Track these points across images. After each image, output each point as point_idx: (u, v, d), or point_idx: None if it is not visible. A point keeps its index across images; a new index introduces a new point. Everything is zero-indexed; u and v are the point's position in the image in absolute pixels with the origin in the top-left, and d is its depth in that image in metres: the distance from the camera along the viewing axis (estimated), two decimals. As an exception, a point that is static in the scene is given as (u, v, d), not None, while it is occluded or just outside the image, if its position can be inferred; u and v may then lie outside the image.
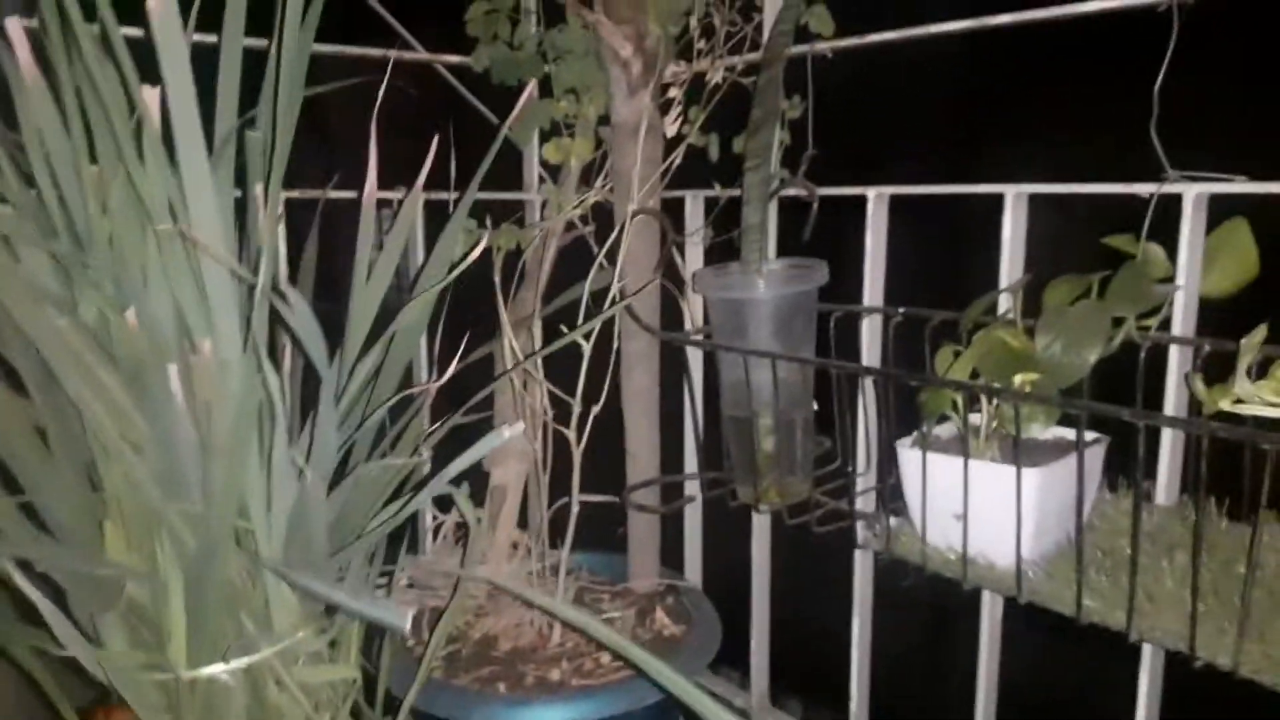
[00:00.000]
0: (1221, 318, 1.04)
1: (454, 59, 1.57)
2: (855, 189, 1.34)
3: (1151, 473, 1.15)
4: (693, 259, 1.56)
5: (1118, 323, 1.02)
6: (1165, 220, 1.05)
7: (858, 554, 1.41)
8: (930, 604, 1.36)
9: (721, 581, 1.63)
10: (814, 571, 1.55)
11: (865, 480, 1.32)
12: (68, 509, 0.97)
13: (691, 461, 1.61)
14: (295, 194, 1.45)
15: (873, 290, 1.34)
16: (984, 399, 1.12)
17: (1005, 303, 1.19)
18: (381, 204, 1.13)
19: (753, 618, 1.61)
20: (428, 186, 1.08)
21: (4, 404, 0.95)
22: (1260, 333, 0.91)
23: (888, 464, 1.18)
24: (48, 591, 0.96)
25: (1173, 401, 1.10)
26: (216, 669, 0.98)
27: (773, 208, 1.42)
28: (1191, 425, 0.93)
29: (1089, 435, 1.09)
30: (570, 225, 1.47)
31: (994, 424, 1.13)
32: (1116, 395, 0.99)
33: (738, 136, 1.37)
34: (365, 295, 1.07)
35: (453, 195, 1.23)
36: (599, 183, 1.47)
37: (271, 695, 1.04)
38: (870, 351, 1.35)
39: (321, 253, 1.27)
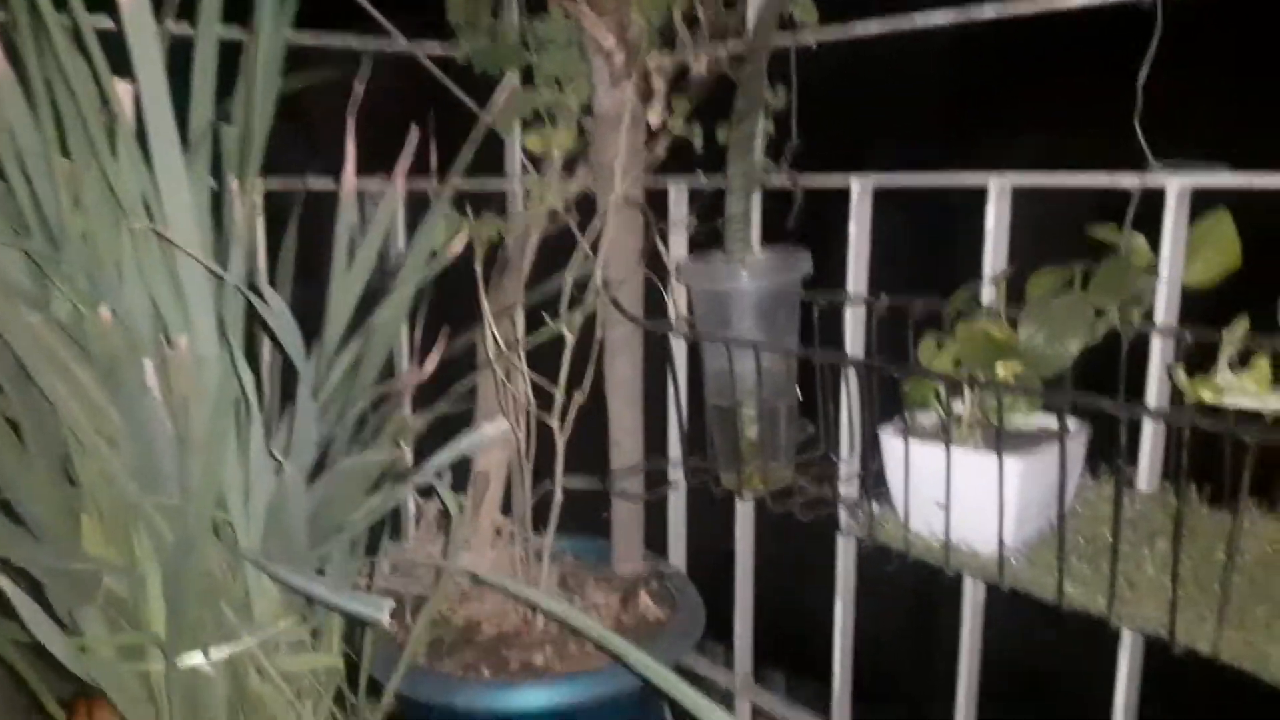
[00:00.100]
0: (1205, 309, 1.04)
1: (435, 47, 1.56)
2: (839, 179, 1.33)
3: (1133, 460, 1.15)
4: (677, 248, 1.55)
5: (1101, 313, 1.02)
6: (1149, 212, 1.05)
7: (840, 540, 1.42)
8: (913, 588, 1.36)
9: (705, 566, 1.63)
10: (797, 557, 1.55)
11: (848, 467, 1.32)
12: (43, 504, 0.97)
13: (675, 448, 1.61)
14: (275, 184, 1.44)
15: (857, 279, 1.34)
16: (966, 388, 1.12)
17: (989, 293, 1.18)
18: (363, 194, 1.12)
19: (736, 602, 1.61)
20: (409, 176, 1.08)
21: (-23, 400, 0.94)
22: (1242, 324, 0.91)
23: (871, 451, 1.18)
24: (26, 585, 0.96)
25: (1155, 391, 1.11)
26: (196, 659, 0.98)
27: (757, 197, 1.41)
28: (1174, 417, 0.93)
29: (1071, 423, 1.09)
30: (553, 215, 1.46)
31: (976, 413, 1.13)
32: (1099, 383, 0.99)
33: (722, 126, 1.37)
34: (345, 286, 1.07)
35: (434, 184, 1.22)
36: (582, 172, 1.46)
37: (253, 684, 1.04)
38: (854, 340, 1.35)
39: (303, 241, 1.26)
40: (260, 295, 0.90)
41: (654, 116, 1.41)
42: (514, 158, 1.64)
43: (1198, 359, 0.94)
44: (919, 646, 1.55)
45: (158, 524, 0.97)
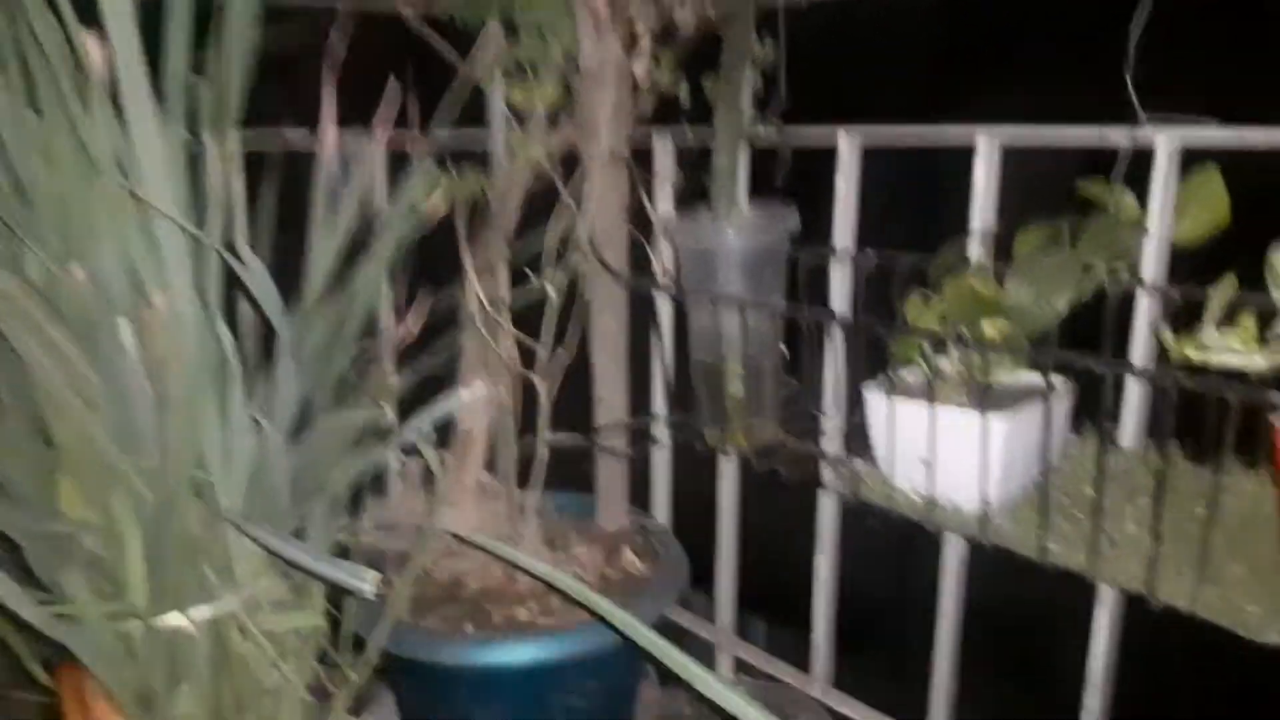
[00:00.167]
0: (1193, 266, 1.04)
1: (416, -2, 1.52)
2: (827, 133, 1.32)
3: (1117, 417, 1.15)
4: (663, 204, 1.53)
5: (1089, 270, 1.01)
6: (1139, 170, 1.04)
7: (823, 495, 1.42)
8: (896, 540, 1.37)
9: (689, 521, 1.64)
10: (782, 511, 1.55)
11: (833, 424, 1.32)
12: (20, 465, 0.95)
13: (660, 405, 1.60)
14: (253, 139, 1.41)
15: (844, 235, 1.33)
16: (952, 346, 1.12)
17: (977, 250, 1.18)
18: (343, 149, 1.10)
19: (719, 559, 1.62)
20: (390, 131, 1.05)
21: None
22: (1229, 281, 0.91)
23: (855, 408, 1.18)
24: (4, 548, 0.95)
25: (1140, 348, 1.10)
26: (177, 619, 0.98)
27: (744, 153, 1.39)
28: (1159, 377, 0.93)
29: (1056, 380, 1.09)
30: (537, 170, 1.44)
31: (962, 370, 1.13)
32: (1085, 339, 0.99)
33: (708, 79, 1.34)
34: (325, 244, 1.05)
35: (415, 139, 1.19)
36: (566, 127, 1.43)
37: (235, 644, 1.04)
38: (840, 297, 1.34)
39: (283, 196, 1.23)
40: (237, 255, 0.88)
41: (639, 69, 1.39)
42: (497, 112, 1.61)
43: (1184, 316, 0.94)
44: (900, 597, 1.57)
45: (137, 485, 0.96)
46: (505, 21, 1.43)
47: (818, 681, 1.50)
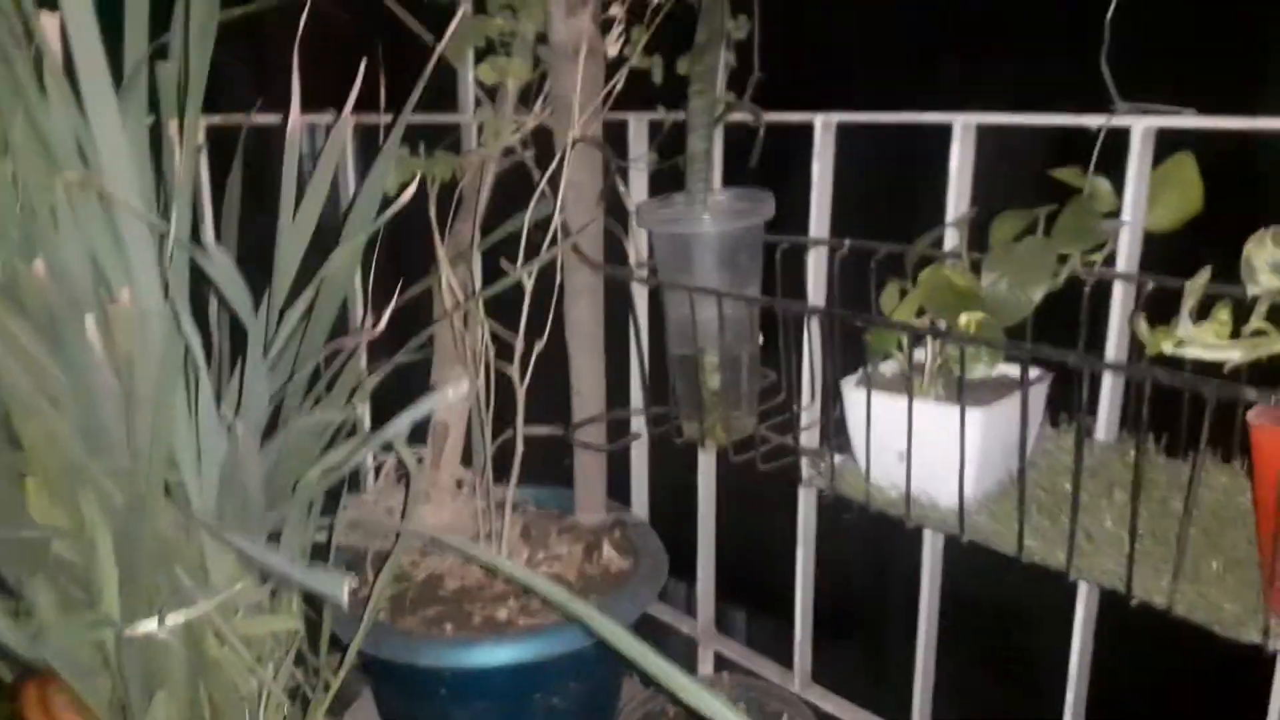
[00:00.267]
0: (1167, 254, 1.03)
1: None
2: (802, 115, 1.30)
3: (1093, 409, 1.15)
4: (637, 185, 1.52)
5: (1064, 259, 1.01)
6: (1113, 154, 1.03)
7: (801, 490, 1.41)
8: (874, 536, 1.37)
9: (668, 515, 1.63)
10: (759, 505, 1.55)
11: (810, 416, 1.31)
12: (-16, 467, 0.93)
13: (637, 397, 1.59)
14: (217, 120, 1.38)
15: (819, 221, 1.32)
16: (929, 339, 1.11)
17: (952, 237, 1.17)
18: (312, 129, 1.07)
19: (699, 554, 1.61)
20: (358, 110, 1.03)
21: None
22: (1204, 274, 0.90)
23: (832, 401, 1.17)
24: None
25: (1115, 338, 1.10)
26: (151, 626, 0.96)
27: (718, 134, 1.37)
28: (1134, 371, 0.92)
29: (1032, 372, 1.09)
30: (509, 151, 1.42)
31: (938, 363, 1.12)
32: (1061, 328, 0.98)
33: (682, 57, 1.33)
34: (292, 233, 1.03)
35: (385, 119, 1.17)
36: (538, 106, 1.41)
37: (212, 649, 1.02)
38: (816, 285, 1.33)
39: (249, 177, 1.20)
40: (203, 248, 0.86)
41: (612, 47, 1.37)
42: (467, 90, 1.59)
43: (1159, 307, 0.93)
44: (881, 591, 1.57)
45: (106, 486, 0.94)
46: (476, -3, 1.40)
47: (798, 676, 1.50)
